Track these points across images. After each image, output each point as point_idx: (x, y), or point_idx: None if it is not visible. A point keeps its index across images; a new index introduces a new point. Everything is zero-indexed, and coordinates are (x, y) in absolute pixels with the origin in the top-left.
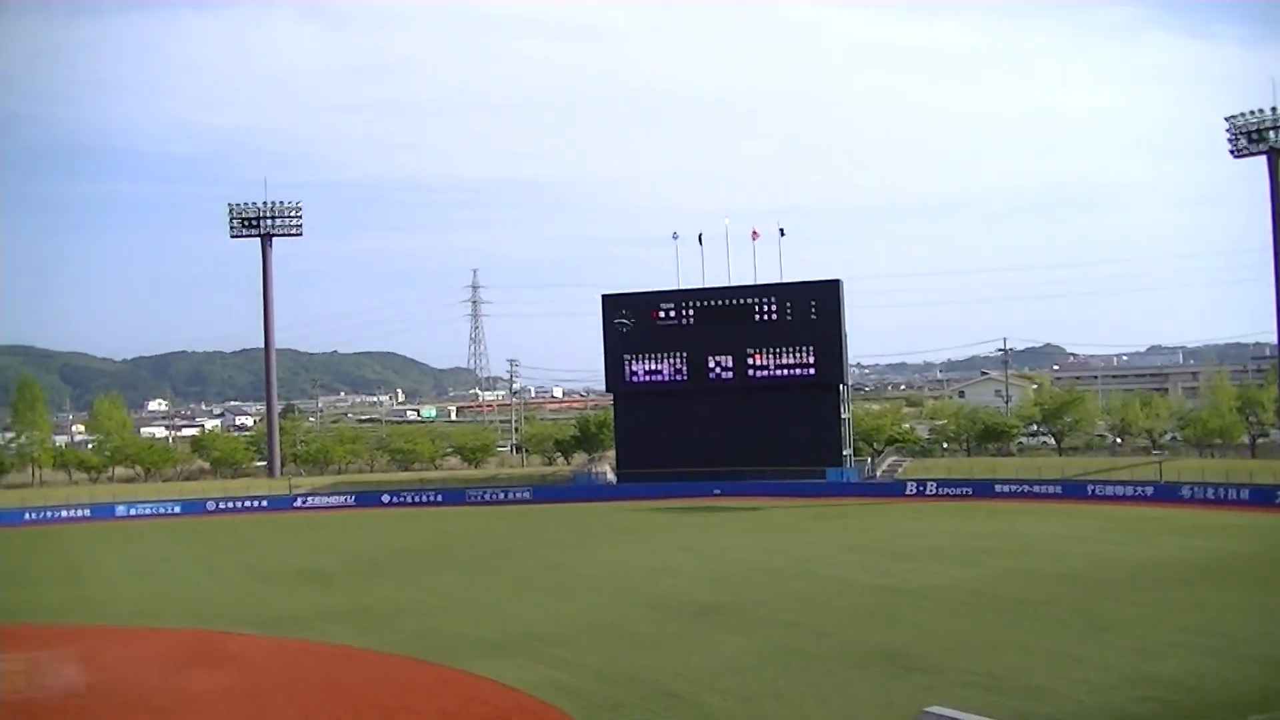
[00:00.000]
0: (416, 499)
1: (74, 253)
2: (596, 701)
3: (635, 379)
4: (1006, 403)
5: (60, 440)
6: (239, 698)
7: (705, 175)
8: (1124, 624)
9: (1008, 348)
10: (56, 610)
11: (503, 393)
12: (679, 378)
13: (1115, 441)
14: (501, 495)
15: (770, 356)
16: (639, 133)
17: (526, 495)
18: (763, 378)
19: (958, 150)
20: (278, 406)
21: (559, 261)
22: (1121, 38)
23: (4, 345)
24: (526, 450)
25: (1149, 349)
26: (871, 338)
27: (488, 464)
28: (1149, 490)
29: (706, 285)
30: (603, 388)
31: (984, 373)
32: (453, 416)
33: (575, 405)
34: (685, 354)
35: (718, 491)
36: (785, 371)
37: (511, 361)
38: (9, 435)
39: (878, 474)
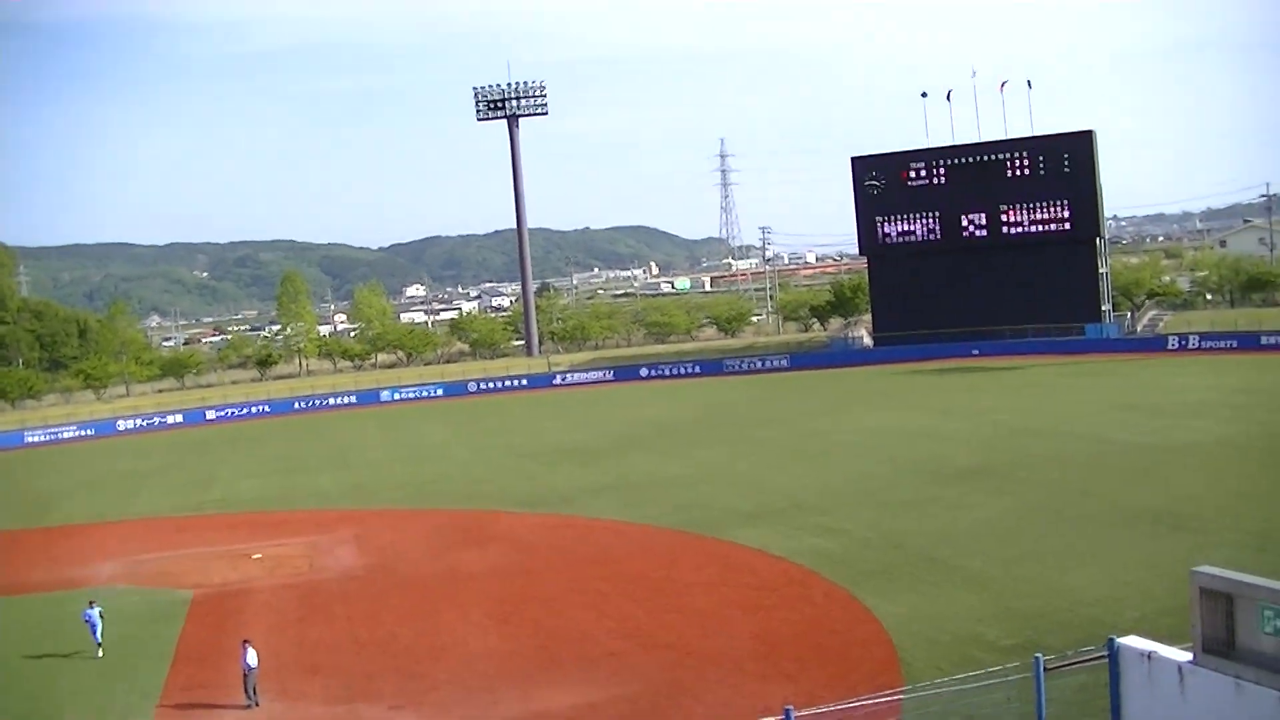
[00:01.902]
0: (674, 371)
1: (329, 146)
2: (860, 568)
3: (889, 240)
4: (1271, 251)
5: (324, 330)
6: (509, 574)
7: (952, 25)
8: None
9: (1271, 194)
10: (332, 496)
11: (756, 261)
12: (932, 237)
13: None
14: (759, 364)
15: (1024, 213)
16: None
17: (784, 363)
18: (1017, 234)
19: None
20: (533, 286)
21: (806, 126)
22: None
23: (267, 240)
24: (782, 317)
25: None
26: (1128, 188)
27: (744, 333)
28: None
29: (956, 143)
30: (856, 251)
31: (1247, 220)
32: (707, 287)
33: (829, 270)
34: (938, 213)
35: (976, 352)
36: (1040, 227)
37: (764, 229)
38: (275, 328)
39: (1138, 329)
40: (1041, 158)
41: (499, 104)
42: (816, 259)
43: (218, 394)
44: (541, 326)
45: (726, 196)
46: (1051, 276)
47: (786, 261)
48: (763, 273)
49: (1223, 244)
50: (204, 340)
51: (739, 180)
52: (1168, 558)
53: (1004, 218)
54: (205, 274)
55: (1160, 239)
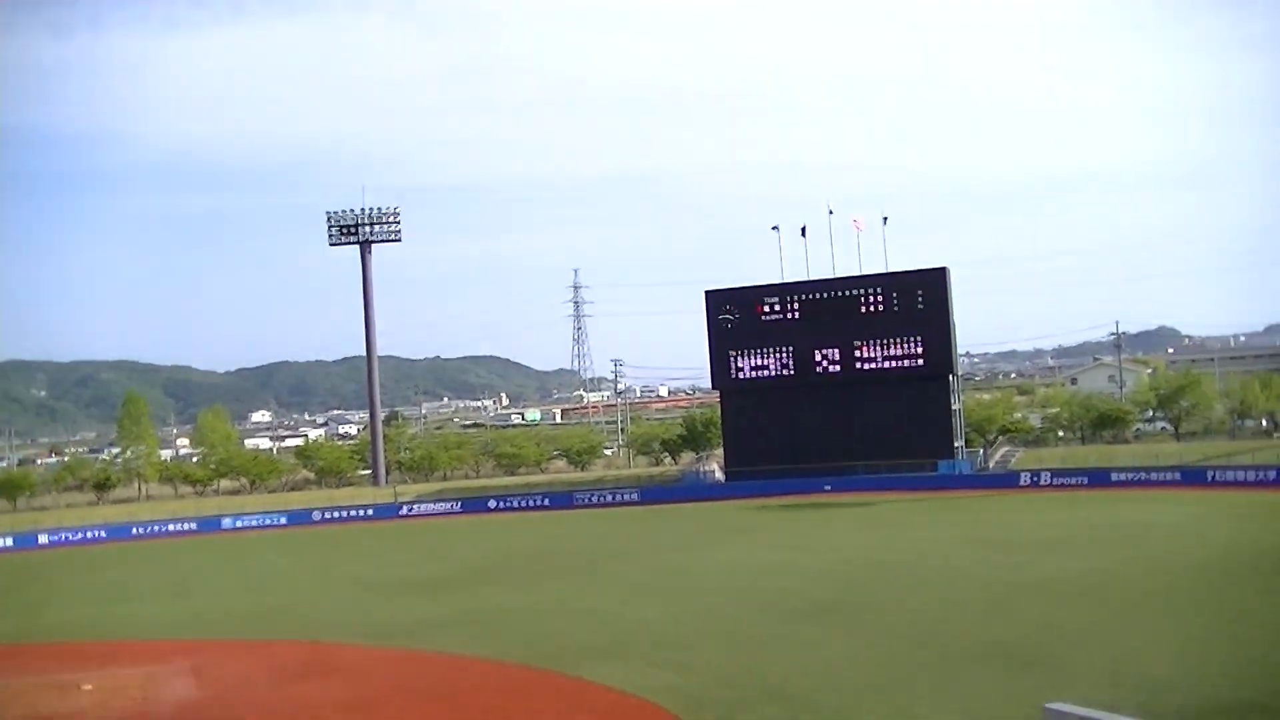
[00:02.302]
0: (523, 504)
1: (175, 266)
2: (711, 705)
3: (741, 375)
4: (1121, 389)
5: (166, 454)
6: (350, 709)
7: (806, 164)
8: (1253, 613)
9: (1121, 332)
10: (168, 625)
11: (607, 393)
12: (786, 372)
13: (1235, 425)
14: (609, 497)
15: (878, 348)
16: (739, 122)
17: (634, 497)
18: (870, 370)
19: (1062, 127)
20: (381, 414)
21: (661, 258)
22: (1228, 5)
23: (109, 360)
24: (633, 451)
25: (1267, 328)
26: (980, 326)
27: (594, 466)
28: (1272, 474)
29: (811, 278)
30: (708, 385)
31: (1097, 358)
32: (558, 419)
33: (681, 404)
34: (791, 348)
35: (828, 487)
36: (893, 363)
37: (616, 361)
38: (115, 450)
39: (990, 465)
40: (895, 294)
41: (351, 229)
42: (669, 392)
43: (52, 517)
44: (389, 455)
45: (579, 327)
46: (904, 412)
47: (638, 394)
48: (614, 405)
49: (1073, 381)
50: (40, 461)
51: (592, 311)
52: (1022, 692)
53: (857, 353)
54: (43, 393)
55: (1013, 375)
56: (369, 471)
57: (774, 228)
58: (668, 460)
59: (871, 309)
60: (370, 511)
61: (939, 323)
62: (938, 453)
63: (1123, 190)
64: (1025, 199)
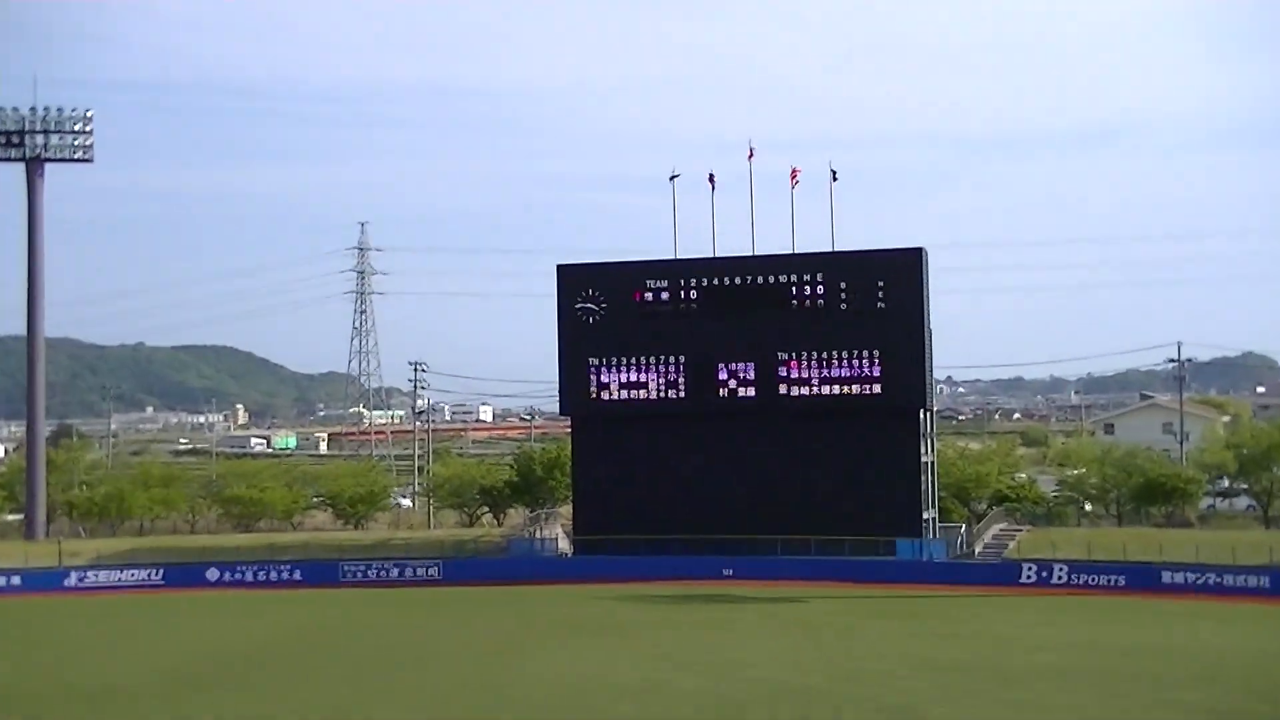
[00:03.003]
0: (264, 576)
1: None
2: None
3: (606, 396)
4: (1183, 444)
5: None
6: None
7: (719, 85)
8: None
9: (1185, 359)
10: None
11: (402, 413)
12: (674, 395)
13: None
14: (396, 572)
15: (813, 365)
16: (622, 21)
17: (435, 572)
18: (802, 398)
19: (1107, 59)
20: (45, 428)
21: (492, 214)
22: None
23: None
24: (436, 502)
25: None
26: (970, 339)
27: (376, 523)
28: None
29: (719, 254)
30: (555, 408)
31: (1146, 396)
32: (323, 448)
33: (512, 434)
34: (683, 359)
35: (729, 572)
36: (836, 389)
37: (416, 366)
38: None
39: (976, 550)
40: (844, 285)
41: (15, 137)
42: (495, 416)
43: None
44: (54, 494)
45: (363, 311)
46: (850, 465)
47: (448, 416)
48: (411, 431)
49: (1109, 429)
50: None
51: (384, 287)
52: None
53: (783, 370)
54: None
55: (1016, 416)
56: (20, 517)
57: (672, 177)
58: (488, 519)
59: (808, 304)
60: (18, 580)
61: (908, 330)
62: (897, 527)
63: (1190, 148)
64: (1039, 152)
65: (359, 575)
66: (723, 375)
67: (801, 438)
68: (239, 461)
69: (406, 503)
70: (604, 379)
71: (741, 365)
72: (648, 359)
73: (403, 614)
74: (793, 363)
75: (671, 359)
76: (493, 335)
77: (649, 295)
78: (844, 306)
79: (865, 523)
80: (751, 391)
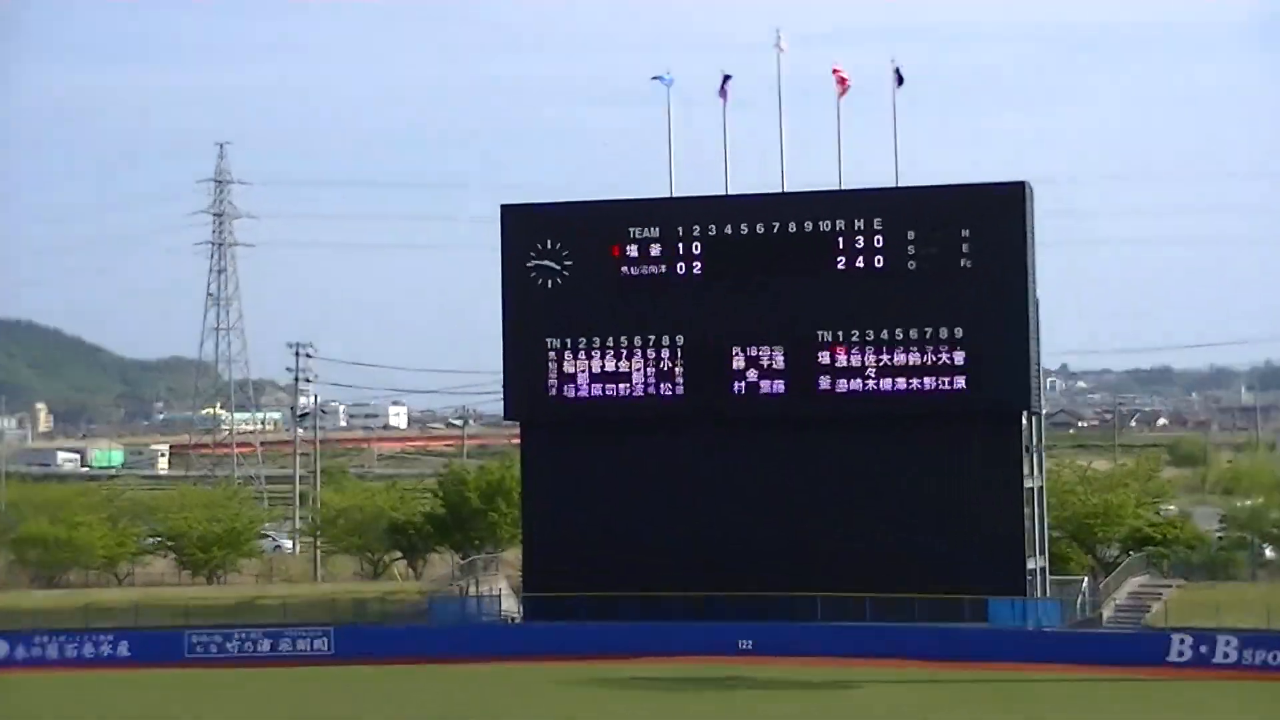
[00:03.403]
0: (75, 651)
1: None
2: None
3: (570, 394)
4: None
5: None
6: None
7: None
8: None
9: None
10: None
11: (277, 416)
12: (667, 393)
13: None
14: (267, 645)
15: (869, 351)
16: None
17: (324, 645)
18: (852, 396)
19: None
20: None
21: (411, 134)
22: None
23: None
24: (326, 544)
25: None
26: (1095, 313)
27: (239, 576)
28: None
29: (732, 193)
30: (497, 410)
31: None
32: (162, 467)
33: (435, 447)
34: (681, 341)
35: (748, 645)
36: (902, 384)
37: (298, 350)
38: None
39: (1105, 614)
40: (912, 235)
41: None
42: (411, 421)
43: None
44: None
45: (222, 271)
46: (921, 493)
47: (345, 423)
48: (290, 443)
49: None
50: None
51: (252, 237)
52: None
53: (824, 358)
54: None
55: (1161, 422)
56: None
57: (659, 78)
58: (401, 568)
59: (861, 263)
60: None
61: (1006, 299)
62: (990, 581)
63: None
64: (1186, 49)
65: (213, 650)
66: (738, 364)
67: (851, 454)
68: (39, 486)
69: (286, 545)
70: (568, 369)
71: (765, 350)
72: (631, 341)
73: (273, 707)
74: (838, 348)
75: (665, 341)
76: (409, 306)
77: (633, 250)
78: (912, 266)
79: (944, 575)
80: (780, 387)
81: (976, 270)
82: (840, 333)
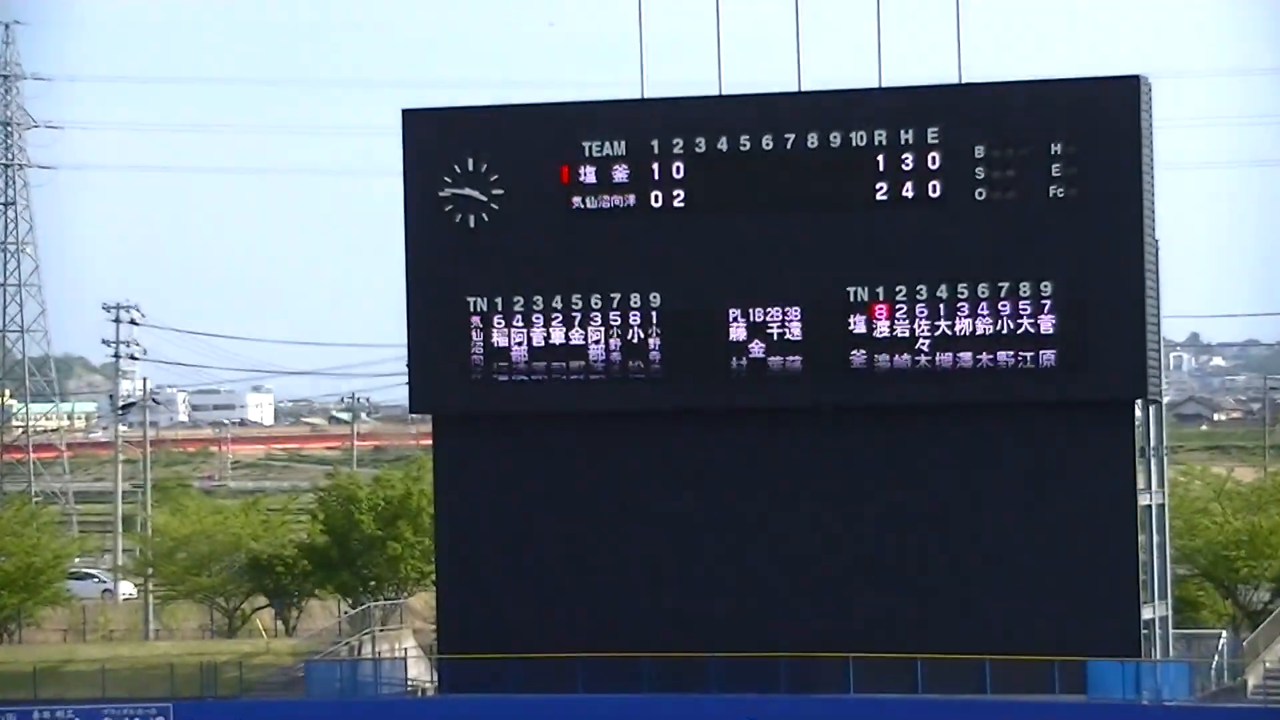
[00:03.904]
0: None
1: None
2: None
3: (502, 376)
4: None
5: None
6: None
7: None
8: None
9: None
10: None
11: (90, 407)
12: (639, 372)
13: None
14: None
15: (921, 314)
16: None
17: None
18: (897, 375)
19: None
20: None
21: (273, 8)
22: None
23: None
24: (161, 588)
25: None
26: (1236, 263)
27: (38, 633)
28: None
29: (728, 93)
30: (398, 399)
31: None
32: None
33: (313, 450)
34: (657, 300)
35: None
36: (966, 359)
37: (118, 313)
38: None
39: (1251, 682)
40: (981, 152)
41: None
42: (279, 414)
43: None
44: None
45: (10, 202)
46: (991, 512)
47: (184, 416)
48: (109, 445)
49: None
50: None
51: (53, 157)
52: None
53: (858, 323)
54: None
55: None
56: None
57: None
58: (266, 620)
59: (908, 193)
60: None
61: (1114, 243)
62: (1090, 636)
63: None
64: None
65: None
66: (737, 333)
67: (894, 459)
68: None
69: (104, 586)
70: (498, 340)
71: (775, 313)
72: (587, 301)
73: None
74: (879, 307)
75: (635, 301)
76: (277, 256)
77: (588, 174)
78: (980, 196)
79: (1025, 629)
80: (796, 365)
81: (1072, 201)
82: (880, 289)
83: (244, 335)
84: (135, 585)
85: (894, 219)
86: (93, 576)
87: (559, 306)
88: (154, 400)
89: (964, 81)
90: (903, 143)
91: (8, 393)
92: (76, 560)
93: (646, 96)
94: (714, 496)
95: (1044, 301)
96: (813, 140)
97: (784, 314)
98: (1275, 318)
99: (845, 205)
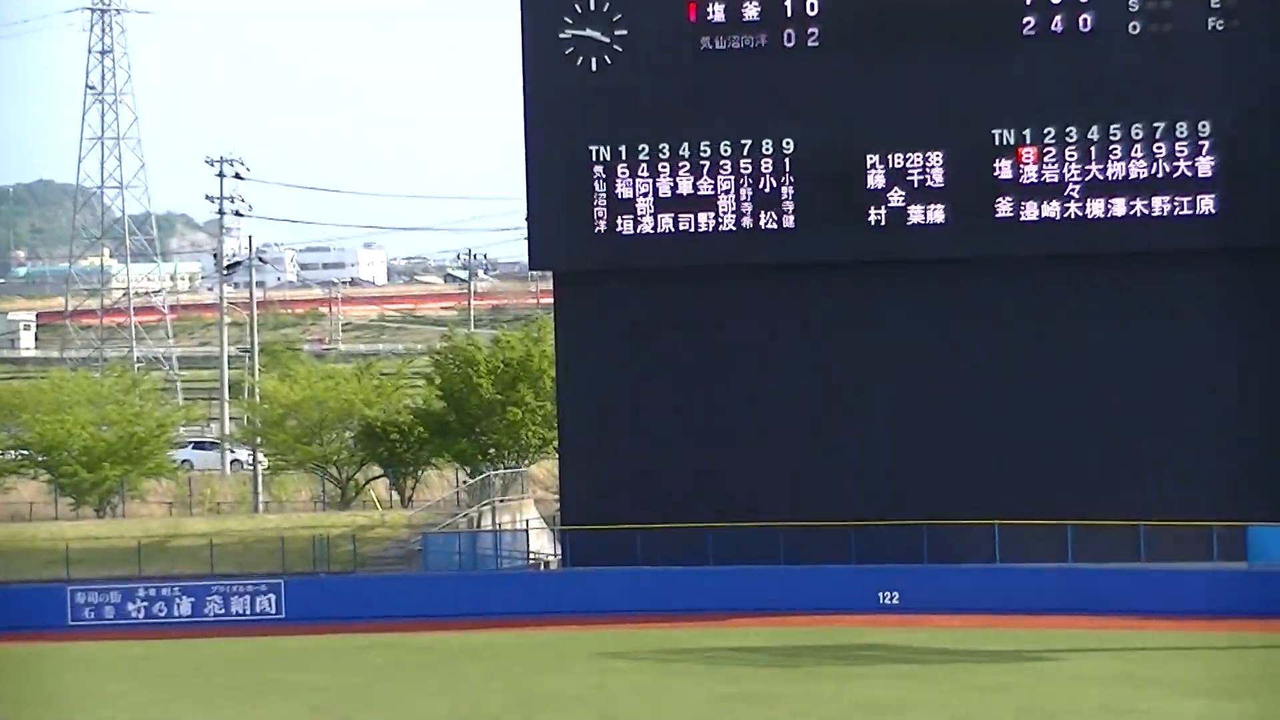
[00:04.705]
0: None
1: None
2: None
3: (626, 229)
4: None
5: None
6: None
7: None
8: None
9: None
10: None
11: (195, 267)
12: (770, 226)
13: None
14: (188, 606)
15: (1071, 159)
16: None
17: (269, 605)
18: (1047, 226)
19: None
20: None
21: None
22: None
23: None
24: (270, 458)
25: None
26: None
27: (143, 506)
28: None
29: None
30: (519, 257)
31: None
32: (25, 345)
33: (428, 311)
34: (790, 148)
35: (892, 598)
36: (1120, 208)
37: (222, 169)
38: None
39: None
40: None
41: None
42: (392, 273)
43: None
44: None
45: (108, 50)
46: (1142, 373)
47: (293, 277)
48: (214, 308)
49: None
50: None
51: (149, 2)
52: None
53: (1004, 169)
54: None
55: None
56: None
57: None
58: (380, 490)
59: (1058, 27)
60: None
61: (1278, 80)
62: (1253, 500)
63: None
64: None
65: (107, 613)
66: (875, 180)
67: (1044, 315)
68: None
69: (232, 456)
70: (622, 191)
71: (916, 159)
72: (716, 148)
73: (195, 698)
74: (1026, 150)
75: (767, 148)
76: (387, 105)
77: (716, 12)
78: (1135, 29)
79: (1180, 492)
80: (939, 215)
81: (1233, 34)
82: (1026, 132)
83: (354, 189)
84: (231, 457)
85: (1041, 55)
86: (218, 445)
87: (686, 154)
88: (260, 259)
89: None
90: None
91: (107, 252)
92: (180, 429)
93: None
94: (849, 354)
95: (1202, 142)
96: None
97: (925, 159)
98: None
99: (990, 41)
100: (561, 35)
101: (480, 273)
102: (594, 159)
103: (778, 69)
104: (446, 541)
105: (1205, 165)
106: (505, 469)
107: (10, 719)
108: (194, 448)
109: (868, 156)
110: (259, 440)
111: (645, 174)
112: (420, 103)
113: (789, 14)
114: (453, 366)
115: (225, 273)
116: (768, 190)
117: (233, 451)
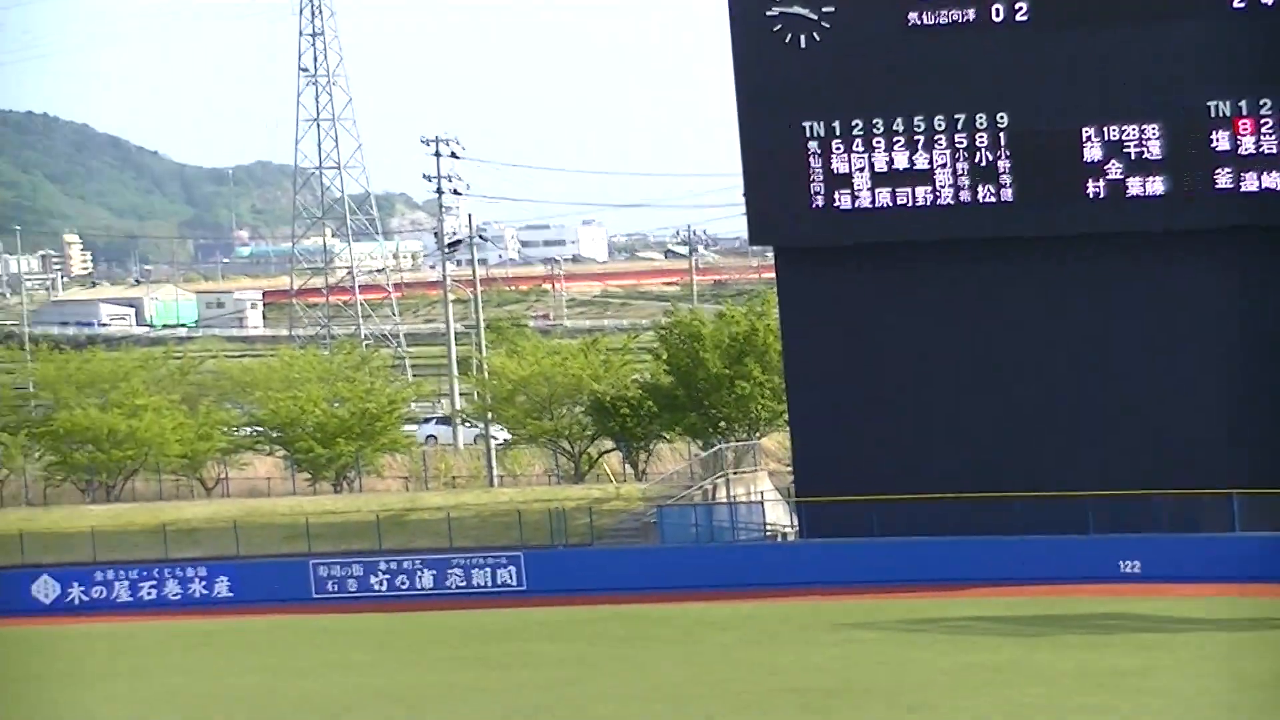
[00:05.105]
0: (154, 591)
1: None
2: None
3: (844, 204)
4: None
5: None
6: None
7: None
8: None
9: None
10: None
11: (416, 246)
12: (988, 199)
13: None
14: (429, 579)
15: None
16: None
17: (509, 577)
18: (1269, 195)
19: None
20: None
21: None
22: None
23: None
24: (504, 431)
25: None
26: None
27: (378, 481)
28: None
29: None
30: (739, 233)
31: None
32: (253, 324)
33: (650, 286)
34: (1005, 121)
35: (1132, 566)
36: None
37: (439, 148)
38: None
39: None
40: None
41: None
42: (613, 249)
43: None
44: None
45: (319, 32)
46: None
47: (514, 254)
48: (438, 284)
49: None
50: None
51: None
52: None
53: (1222, 140)
54: None
55: None
56: None
57: None
58: (614, 463)
59: None
60: None
61: None
62: None
63: None
64: None
65: (350, 586)
66: (1092, 153)
67: (1269, 284)
68: (79, 354)
69: (440, 432)
70: (839, 167)
71: (1133, 131)
72: (931, 123)
73: (446, 668)
74: (1243, 121)
75: (981, 122)
76: (600, 81)
77: None
78: None
79: None
80: (1158, 187)
81: None
82: (1243, 103)
83: (570, 168)
84: (464, 432)
85: (1256, 23)
86: (465, 422)
87: (900, 130)
88: (482, 237)
89: None
90: None
91: (329, 231)
92: (410, 404)
93: None
94: (1071, 327)
95: None
96: None
97: (1142, 131)
98: None
99: (1202, 11)
100: (769, 12)
101: (701, 248)
102: (808, 135)
103: (988, 44)
104: (682, 514)
105: None
106: (736, 441)
107: (265, 687)
108: (437, 423)
109: (1084, 129)
110: (489, 415)
111: (860, 149)
112: (633, 80)
113: None
114: (678, 341)
115: (448, 251)
116: (984, 164)
117: (475, 426)
